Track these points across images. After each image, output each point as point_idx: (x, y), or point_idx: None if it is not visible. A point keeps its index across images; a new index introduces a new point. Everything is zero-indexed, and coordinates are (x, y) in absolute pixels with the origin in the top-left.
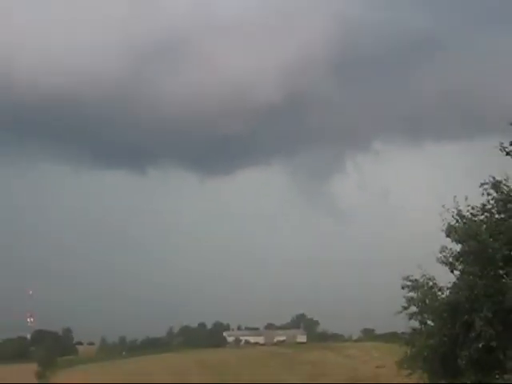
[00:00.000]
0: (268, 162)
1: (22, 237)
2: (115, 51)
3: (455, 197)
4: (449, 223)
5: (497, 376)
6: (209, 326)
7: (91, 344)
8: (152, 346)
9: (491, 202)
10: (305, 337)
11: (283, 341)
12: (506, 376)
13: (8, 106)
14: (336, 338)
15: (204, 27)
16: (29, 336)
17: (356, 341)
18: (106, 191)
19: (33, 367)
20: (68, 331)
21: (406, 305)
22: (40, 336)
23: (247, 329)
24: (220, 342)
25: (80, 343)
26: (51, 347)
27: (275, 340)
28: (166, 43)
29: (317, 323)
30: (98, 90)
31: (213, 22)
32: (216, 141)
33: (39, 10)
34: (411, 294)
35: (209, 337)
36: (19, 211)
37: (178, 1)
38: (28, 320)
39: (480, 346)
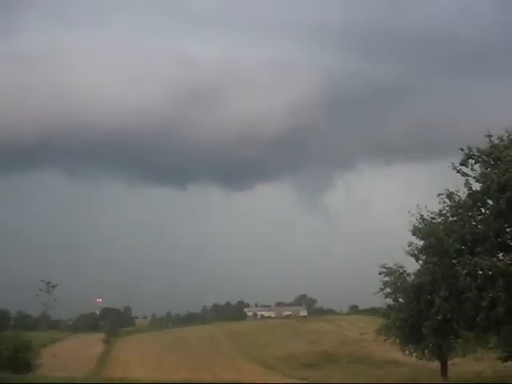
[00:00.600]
0: (278, 179)
1: (94, 239)
2: (163, 97)
3: (418, 204)
4: (414, 224)
5: (452, 340)
6: (233, 303)
7: (145, 318)
8: (190, 319)
9: (446, 208)
10: (306, 312)
11: (289, 315)
12: (459, 340)
13: (82, 141)
14: (330, 312)
15: (228, 78)
16: (98, 312)
17: (345, 314)
18: (156, 203)
19: (101, 336)
20: (127, 308)
21: (382, 287)
22: (106, 312)
23: (262, 306)
24: (242, 316)
25: (136, 317)
26: (115, 321)
27: (283, 314)
28: (199, 90)
29: (315, 301)
30: (150, 126)
31: (234, 74)
32: (238, 163)
33: (107, 67)
34: (386, 278)
35: (233, 312)
36: (90, 219)
37: (208, 58)
38: (97, 300)
39: (439, 318)
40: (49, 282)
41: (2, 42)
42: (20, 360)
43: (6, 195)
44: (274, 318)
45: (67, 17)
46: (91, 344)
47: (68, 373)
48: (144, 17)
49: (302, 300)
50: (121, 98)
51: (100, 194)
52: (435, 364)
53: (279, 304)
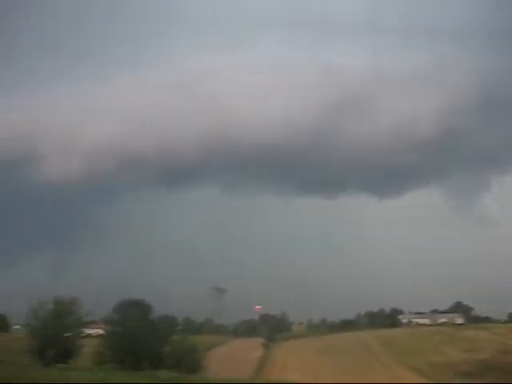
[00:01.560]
0: (430, 184)
1: (252, 249)
2: (312, 108)
3: None
4: None
5: None
6: (387, 310)
7: (301, 324)
8: (345, 325)
9: None
10: (462, 319)
11: (444, 322)
12: None
13: (236, 157)
14: (487, 320)
15: (376, 85)
16: (257, 318)
17: (504, 322)
18: (307, 213)
19: (260, 340)
20: (284, 315)
21: None
22: (265, 318)
23: (416, 313)
24: (396, 323)
25: (293, 323)
26: (273, 326)
27: (438, 322)
28: (347, 99)
29: (471, 309)
30: (299, 138)
31: (382, 80)
32: (389, 169)
33: (255, 85)
34: None
35: (387, 319)
36: (245, 230)
37: (355, 65)
38: (257, 308)
39: None
40: (218, 288)
41: (160, 70)
42: (187, 362)
43: (173, 210)
44: (428, 325)
45: (214, 40)
46: (251, 348)
47: (230, 375)
48: (287, 30)
49: (458, 307)
50: (269, 113)
51: (250, 206)
52: None
53: (434, 311)
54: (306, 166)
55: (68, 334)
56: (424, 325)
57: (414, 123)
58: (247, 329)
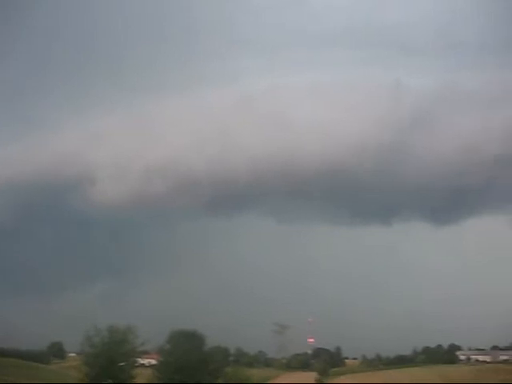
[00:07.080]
0: (495, 211)
1: (307, 281)
2: (374, 132)
3: None
4: None
5: None
6: (445, 346)
7: (355, 359)
8: (400, 361)
9: None
10: None
11: (507, 360)
12: None
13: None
14: None
15: (443, 103)
16: (310, 352)
17: None
18: (361, 243)
19: (313, 375)
20: (338, 349)
21: None
22: (318, 352)
23: (476, 349)
24: (454, 360)
25: (346, 358)
26: (326, 361)
27: (500, 359)
28: (414, 119)
29: None
30: (359, 162)
31: (450, 98)
32: (448, 194)
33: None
34: None
35: (445, 355)
36: (298, 262)
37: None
38: (310, 340)
39: None
40: (281, 325)
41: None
42: None
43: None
44: (489, 362)
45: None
46: (304, 382)
47: None
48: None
49: None
50: (332, 134)
51: (308, 236)
52: None
53: (494, 348)
54: (362, 190)
55: (122, 364)
56: (484, 362)
57: (479, 142)
58: (300, 362)
